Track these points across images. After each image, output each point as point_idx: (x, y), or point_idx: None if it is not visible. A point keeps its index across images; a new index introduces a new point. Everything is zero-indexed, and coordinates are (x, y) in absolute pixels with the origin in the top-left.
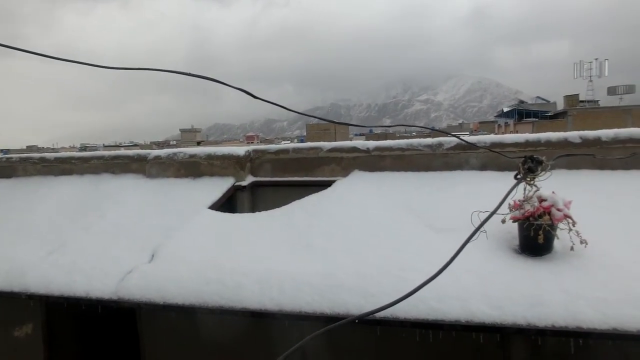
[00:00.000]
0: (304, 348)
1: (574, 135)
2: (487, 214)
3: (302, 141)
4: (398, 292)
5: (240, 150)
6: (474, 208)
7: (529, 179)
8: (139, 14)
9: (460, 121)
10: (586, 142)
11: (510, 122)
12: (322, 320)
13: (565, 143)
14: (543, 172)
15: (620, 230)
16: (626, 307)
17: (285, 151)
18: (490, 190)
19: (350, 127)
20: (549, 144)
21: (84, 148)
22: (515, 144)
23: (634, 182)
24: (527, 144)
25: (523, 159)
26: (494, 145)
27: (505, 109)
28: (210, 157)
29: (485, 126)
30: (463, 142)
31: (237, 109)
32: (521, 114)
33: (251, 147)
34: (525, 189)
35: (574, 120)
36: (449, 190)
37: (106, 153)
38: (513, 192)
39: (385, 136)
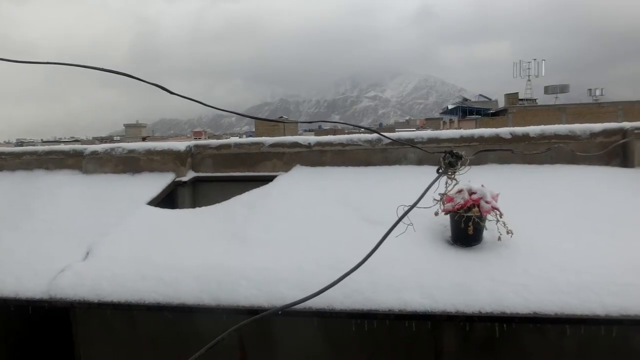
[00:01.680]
0: (242, 342)
1: (504, 131)
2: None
3: (250, 137)
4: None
5: (181, 145)
6: (407, 201)
7: (449, 173)
8: (80, 5)
9: (407, 118)
10: (516, 138)
11: (455, 119)
12: (260, 313)
13: (496, 138)
14: (462, 167)
15: (543, 220)
16: (545, 292)
17: (227, 146)
18: (425, 184)
19: (299, 123)
20: (481, 139)
21: (20, 144)
22: (451, 140)
23: (558, 175)
24: (462, 139)
25: (444, 153)
26: (431, 140)
27: (450, 107)
28: (149, 153)
29: (431, 123)
30: (401, 138)
31: (184, 104)
32: (465, 111)
33: (192, 142)
34: (447, 182)
35: (514, 118)
36: (386, 184)
37: (40, 148)
38: (436, 186)
39: (334, 132)
